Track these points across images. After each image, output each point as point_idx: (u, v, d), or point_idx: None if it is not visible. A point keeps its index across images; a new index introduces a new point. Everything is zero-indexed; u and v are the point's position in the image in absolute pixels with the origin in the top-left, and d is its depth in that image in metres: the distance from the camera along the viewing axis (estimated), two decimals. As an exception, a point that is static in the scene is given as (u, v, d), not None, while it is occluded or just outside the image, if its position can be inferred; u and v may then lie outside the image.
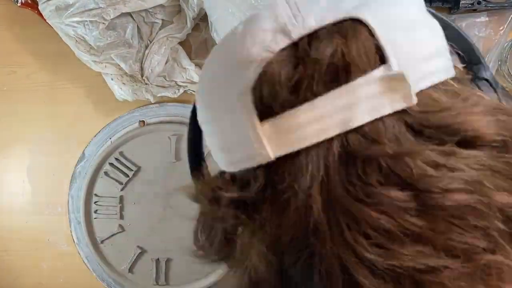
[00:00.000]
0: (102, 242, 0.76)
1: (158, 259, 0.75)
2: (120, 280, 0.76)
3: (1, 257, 0.80)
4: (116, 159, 0.75)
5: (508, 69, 0.70)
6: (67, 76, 0.79)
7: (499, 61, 0.71)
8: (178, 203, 0.74)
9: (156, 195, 0.75)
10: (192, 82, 0.73)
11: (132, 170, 0.75)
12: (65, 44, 0.71)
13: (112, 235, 0.76)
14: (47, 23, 0.68)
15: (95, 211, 0.76)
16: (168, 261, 0.75)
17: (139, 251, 0.75)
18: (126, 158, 0.75)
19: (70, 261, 0.79)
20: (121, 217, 0.76)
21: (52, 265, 0.79)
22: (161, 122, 0.76)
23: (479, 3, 0.73)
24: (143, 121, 0.76)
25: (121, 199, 0.76)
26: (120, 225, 0.76)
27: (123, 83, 0.70)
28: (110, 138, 0.76)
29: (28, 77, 0.79)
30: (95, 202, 0.76)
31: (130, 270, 0.76)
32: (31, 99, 0.79)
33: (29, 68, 0.79)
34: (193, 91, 0.73)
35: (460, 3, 0.73)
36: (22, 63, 0.79)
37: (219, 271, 0.73)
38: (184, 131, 0.73)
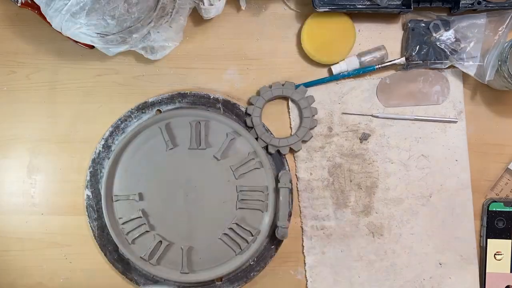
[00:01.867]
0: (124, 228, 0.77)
1: (181, 247, 0.76)
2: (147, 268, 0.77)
3: (2, 257, 0.80)
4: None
5: (508, 69, 0.70)
6: (67, 76, 0.80)
7: (499, 61, 0.72)
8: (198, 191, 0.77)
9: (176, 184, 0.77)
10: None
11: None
12: (65, 44, 0.72)
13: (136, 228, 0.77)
14: (47, 22, 0.68)
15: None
16: (189, 249, 0.77)
17: (159, 239, 0.77)
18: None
19: (70, 261, 0.80)
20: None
21: (52, 265, 0.80)
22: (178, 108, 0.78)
23: (479, 3, 0.74)
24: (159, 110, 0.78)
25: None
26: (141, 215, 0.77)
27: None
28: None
29: (27, 77, 0.79)
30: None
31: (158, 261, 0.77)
32: (31, 99, 0.80)
33: (29, 68, 0.79)
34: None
35: (460, 3, 0.74)
36: (22, 63, 0.80)
37: (239, 258, 0.76)
38: (207, 116, 0.76)
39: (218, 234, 0.76)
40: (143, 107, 0.78)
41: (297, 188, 0.79)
